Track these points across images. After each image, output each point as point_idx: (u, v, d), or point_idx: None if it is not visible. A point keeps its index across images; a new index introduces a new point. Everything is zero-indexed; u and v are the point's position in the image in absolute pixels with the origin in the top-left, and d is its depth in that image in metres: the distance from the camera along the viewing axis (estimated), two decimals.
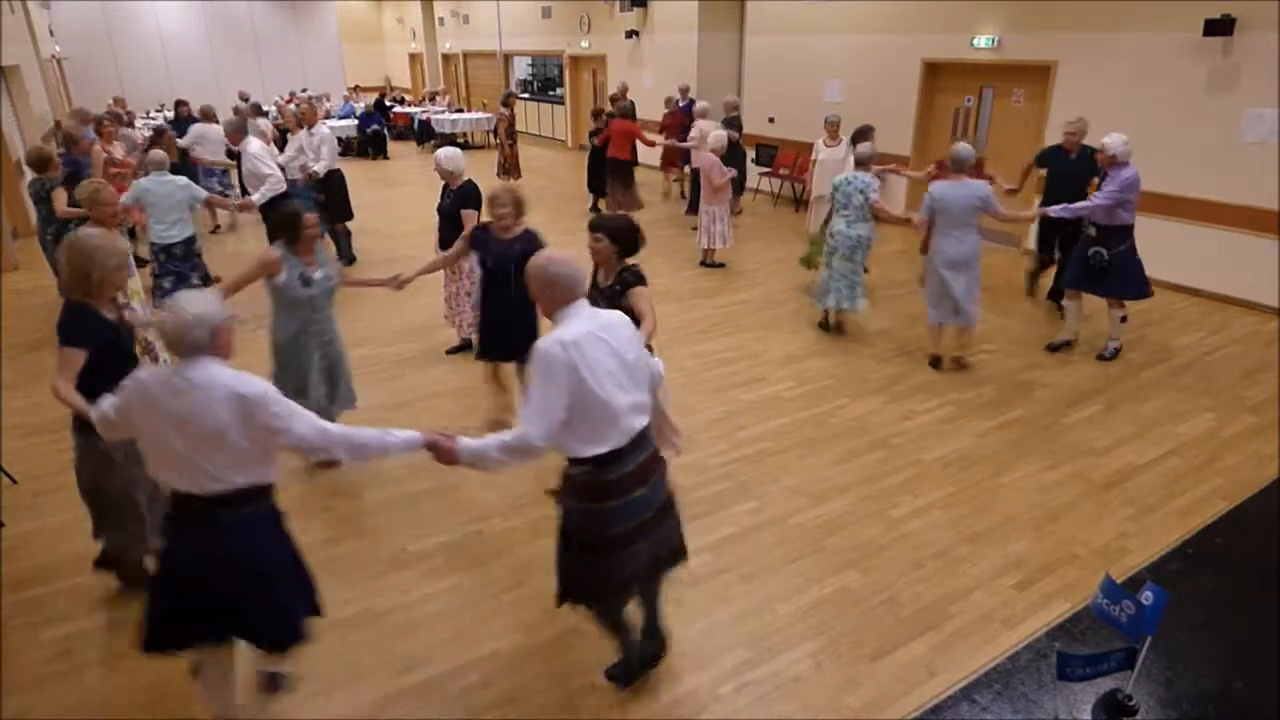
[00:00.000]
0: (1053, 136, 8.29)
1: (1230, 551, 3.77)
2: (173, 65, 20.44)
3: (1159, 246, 7.72)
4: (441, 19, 23.44)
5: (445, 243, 5.66)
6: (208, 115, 9.88)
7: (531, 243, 4.13)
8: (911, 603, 3.42)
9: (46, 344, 6.29)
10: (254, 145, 7.29)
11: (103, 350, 2.91)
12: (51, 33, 16.92)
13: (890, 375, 5.75)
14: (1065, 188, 6.01)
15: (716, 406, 5.23)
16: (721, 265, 8.47)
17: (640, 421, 2.56)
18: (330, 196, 8.32)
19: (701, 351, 6.16)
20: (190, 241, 6.29)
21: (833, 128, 8.67)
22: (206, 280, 6.39)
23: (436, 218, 5.94)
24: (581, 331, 2.44)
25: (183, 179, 6.30)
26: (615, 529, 2.53)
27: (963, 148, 5.44)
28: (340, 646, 3.15)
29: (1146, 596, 2.58)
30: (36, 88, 13.10)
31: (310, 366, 4.21)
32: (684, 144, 10.46)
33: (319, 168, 8.01)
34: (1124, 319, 5.96)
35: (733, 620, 3.31)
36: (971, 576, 3.59)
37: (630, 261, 3.54)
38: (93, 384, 2.73)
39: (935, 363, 5.87)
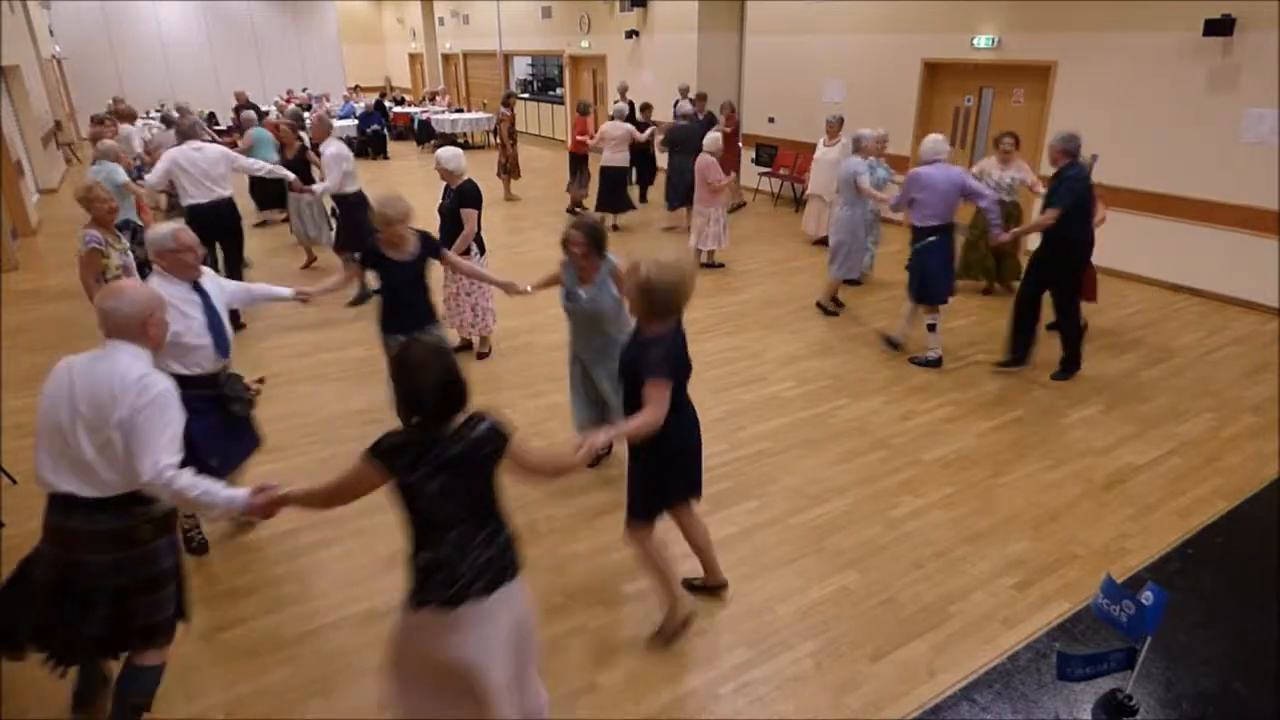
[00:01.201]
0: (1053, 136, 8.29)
1: (1230, 551, 3.77)
2: (173, 65, 20.48)
3: (1159, 246, 7.75)
4: (441, 19, 23.45)
5: (446, 242, 5.62)
6: (126, 115, 10.46)
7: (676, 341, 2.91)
8: (911, 603, 3.42)
9: (46, 345, 6.29)
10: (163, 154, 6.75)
11: (383, 281, 4.23)
12: (51, 33, 16.93)
13: (890, 375, 5.75)
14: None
15: (716, 406, 5.23)
16: (720, 265, 8.47)
17: (63, 484, 2.34)
18: (344, 222, 7.42)
19: (701, 351, 6.13)
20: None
21: (833, 127, 8.68)
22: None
23: (438, 218, 5.92)
24: (72, 360, 2.42)
25: (112, 166, 6.47)
26: (30, 569, 2.46)
27: (863, 132, 6.60)
28: (341, 647, 3.15)
29: (1146, 596, 2.58)
30: (36, 88, 13.12)
31: (571, 377, 4.34)
32: (589, 147, 10.29)
33: (318, 188, 7.31)
34: (931, 326, 5.79)
35: (733, 620, 3.31)
36: (971, 576, 3.59)
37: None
38: (385, 307, 4.26)
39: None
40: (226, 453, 3.48)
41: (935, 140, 5.64)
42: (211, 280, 3.47)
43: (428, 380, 2.08)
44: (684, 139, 9.42)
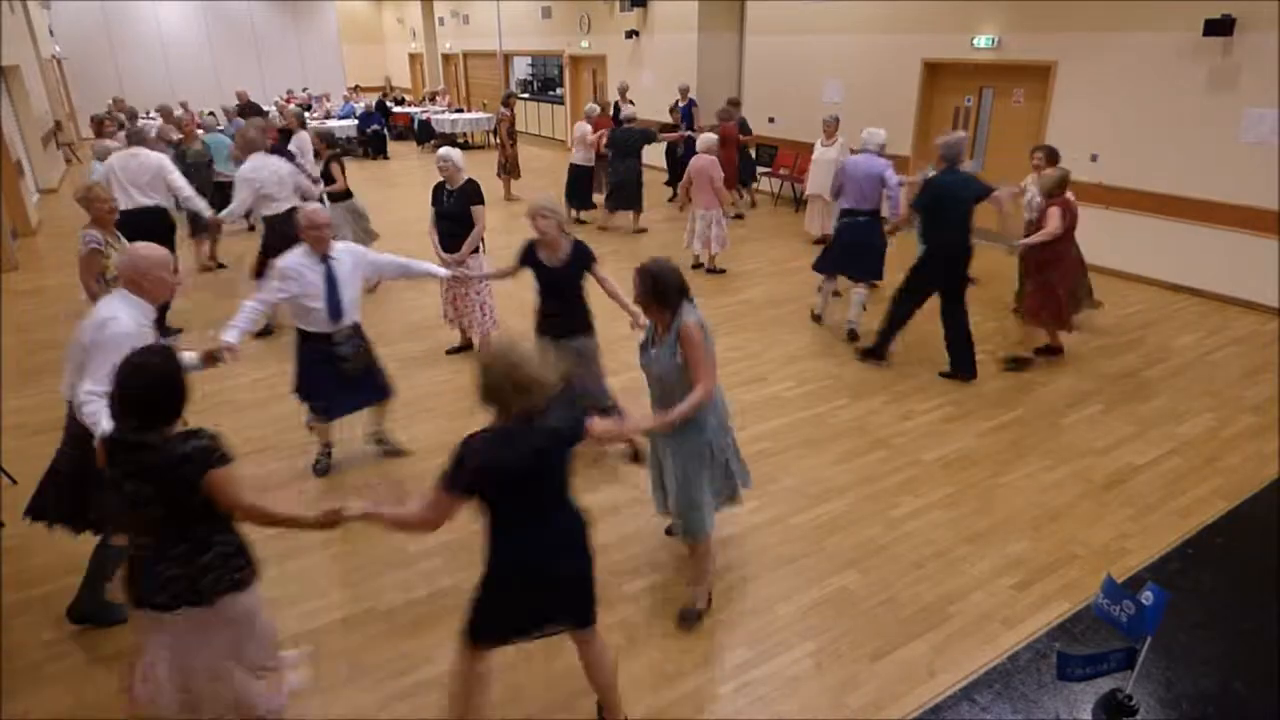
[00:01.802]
0: (1053, 136, 8.30)
1: (1230, 551, 3.77)
2: (173, 65, 20.47)
3: (1159, 246, 7.75)
4: (441, 19, 23.44)
5: (450, 245, 5.60)
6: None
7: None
8: (911, 603, 3.42)
9: (46, 345, 6.29)
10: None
11: (537, 284, 4.27)
12: (51, 33, 16.93)
13: (890, 375, 5.75)
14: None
15: None
16: (722, 271, 8.39)
17: (63, 390, 3.07)
18: (264, 247, 6.47)
19: None
20: None
21: (830, 127, 8.68)
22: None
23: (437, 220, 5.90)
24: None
25: (101, 165, 6.67)
26: None
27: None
28: (340, 646, 3.16)
29: (1147, 596, 2.58)
30: (36, 88, 13.12)
31: (649, 446, 3.50)
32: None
33: (224, 214, 6.64)
34: (818, 288, 6.70)
35: (733, 620, 3.31)
36: (971, 576, 3.59)
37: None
38: (537, 311, 4.33)
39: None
40: (333, 399, 4.21)
41: (869, 132, 6.29)
42: (349, 254, 4.08)
43: (130, 385, 2.14)
44: (622, 143, 9.68)
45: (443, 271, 4.51)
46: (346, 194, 7.64)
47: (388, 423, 4.70)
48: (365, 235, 7.76)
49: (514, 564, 2.37)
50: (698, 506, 3.16)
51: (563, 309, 4.26)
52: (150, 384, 2.15)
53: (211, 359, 3.31)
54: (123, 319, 2.86)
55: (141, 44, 20.24)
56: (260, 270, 6.53)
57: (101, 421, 2.71)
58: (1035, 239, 5.39)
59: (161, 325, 5.23)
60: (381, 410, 4.58)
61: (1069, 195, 5.52)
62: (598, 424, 2.49)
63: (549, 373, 2.26)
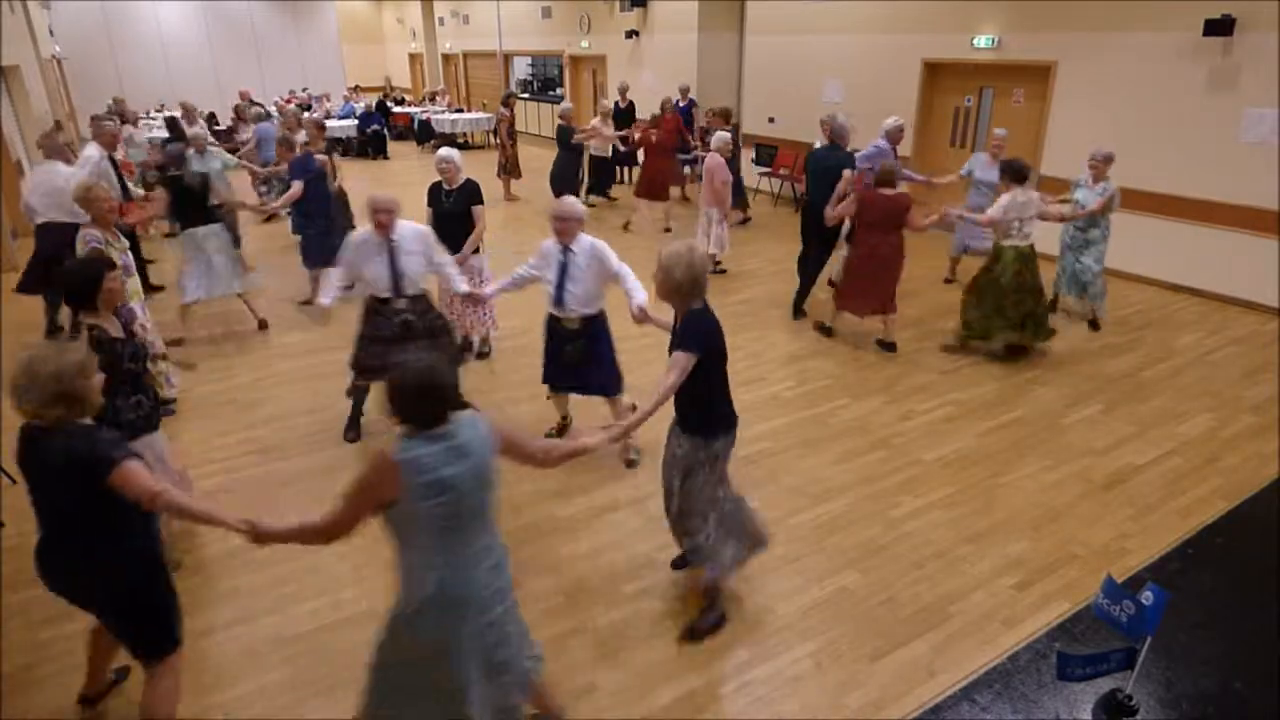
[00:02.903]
0: (1053, 136, 8.31)
1: (1230, 551, 3.77)
2: (173, 65, 20.46)
3: (1159, 246, 7.75)
4: (441, 19, 23.45)
5: (450, 246, 5.56)
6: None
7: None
8: (911, 603, 3.42)
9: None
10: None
11: None
12: (51, 33, 16.91)
13: (890, 375, 5.75)
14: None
15: None
16: (723, 271, 8.40)
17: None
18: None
19: None
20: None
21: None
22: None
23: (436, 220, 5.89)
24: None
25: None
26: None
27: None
28: (341, 646, 3.15)
29: (1147, 596, 2.59)
30: (36, 88, 13.11)
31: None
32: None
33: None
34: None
35: (733, 620, 3.31)
36: (971, 576, 3.59)
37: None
38: None
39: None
40: (555, 372, 4.53)
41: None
42: (589, 251, 4.18)
43: (64, 275, 3.19)
44: (558, 139, 10.70)
45: (641, 297, 3.84)
46: (203, 220, 6.25)
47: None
48: (228, 268, 6.35)
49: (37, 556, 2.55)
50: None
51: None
52: (70, 279, 3.14)
53: (470, 296, 4.57)
54: (358, 232, 4.46)
55: (141, 44, 20.23)
56: (26, 280, 6.39)
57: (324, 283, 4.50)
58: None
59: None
60: (613, 408, 4.48)
61: (889, 192, 5.79)
62: (130, 477, 2.26)
63: (48, 393, 2.23)
